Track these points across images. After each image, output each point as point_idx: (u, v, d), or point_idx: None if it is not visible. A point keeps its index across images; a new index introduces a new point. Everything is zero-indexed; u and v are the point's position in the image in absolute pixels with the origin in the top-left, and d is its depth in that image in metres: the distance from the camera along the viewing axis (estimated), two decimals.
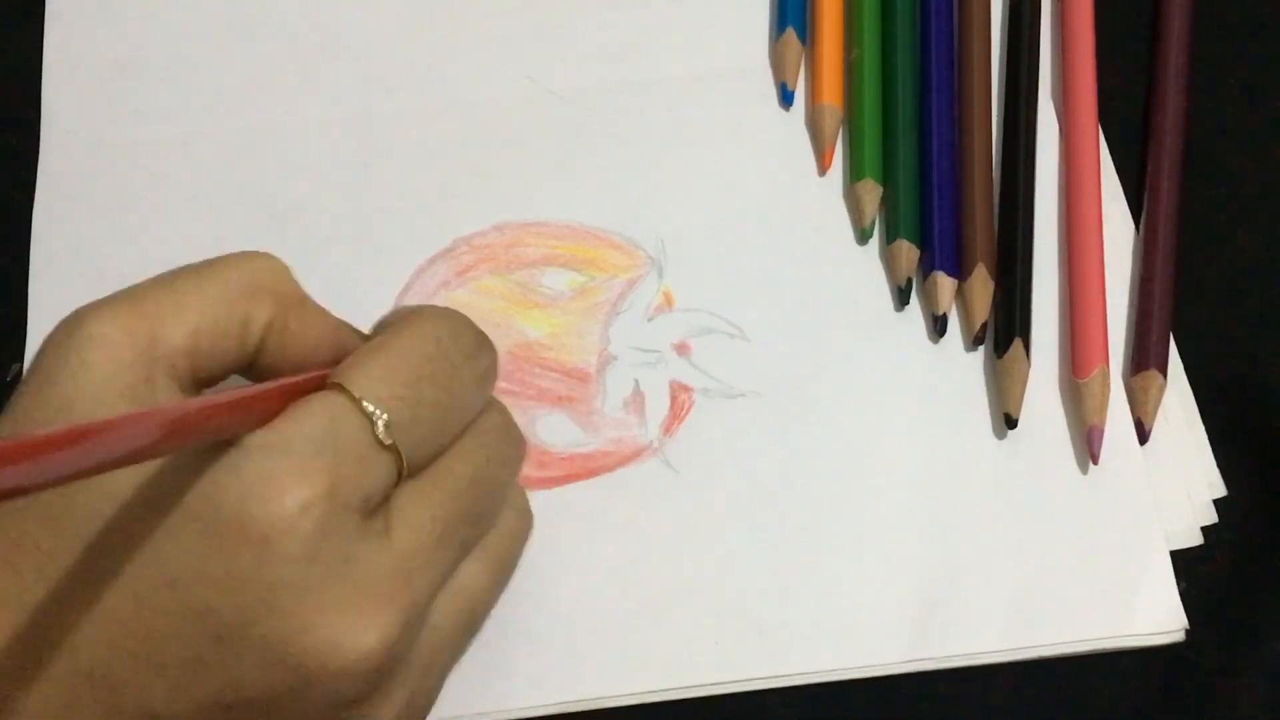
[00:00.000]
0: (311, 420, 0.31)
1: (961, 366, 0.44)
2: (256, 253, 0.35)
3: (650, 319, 0.45)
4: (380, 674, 0.32)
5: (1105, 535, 0.41)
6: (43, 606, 0.31)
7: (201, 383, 0.34)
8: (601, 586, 0.41)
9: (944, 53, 0.47)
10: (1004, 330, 0.43)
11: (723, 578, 0.41)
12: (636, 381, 0.44)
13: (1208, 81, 0.48)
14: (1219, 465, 0.43)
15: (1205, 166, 0.47)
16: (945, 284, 0.44)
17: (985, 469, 0.42)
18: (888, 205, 0.46)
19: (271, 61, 0.49)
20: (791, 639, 0.40)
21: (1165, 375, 0.43)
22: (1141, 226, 0.45)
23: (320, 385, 0.33)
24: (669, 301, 0.45)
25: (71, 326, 0.33)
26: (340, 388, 0.32)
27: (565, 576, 0.41)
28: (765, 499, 0.42)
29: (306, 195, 0.47)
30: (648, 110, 0.48)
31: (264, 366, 0.35)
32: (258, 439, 0.31)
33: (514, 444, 0.37)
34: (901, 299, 0.45)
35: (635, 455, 0.43)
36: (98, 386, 0.32)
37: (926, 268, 0.45)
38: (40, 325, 0.45)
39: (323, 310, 0.36)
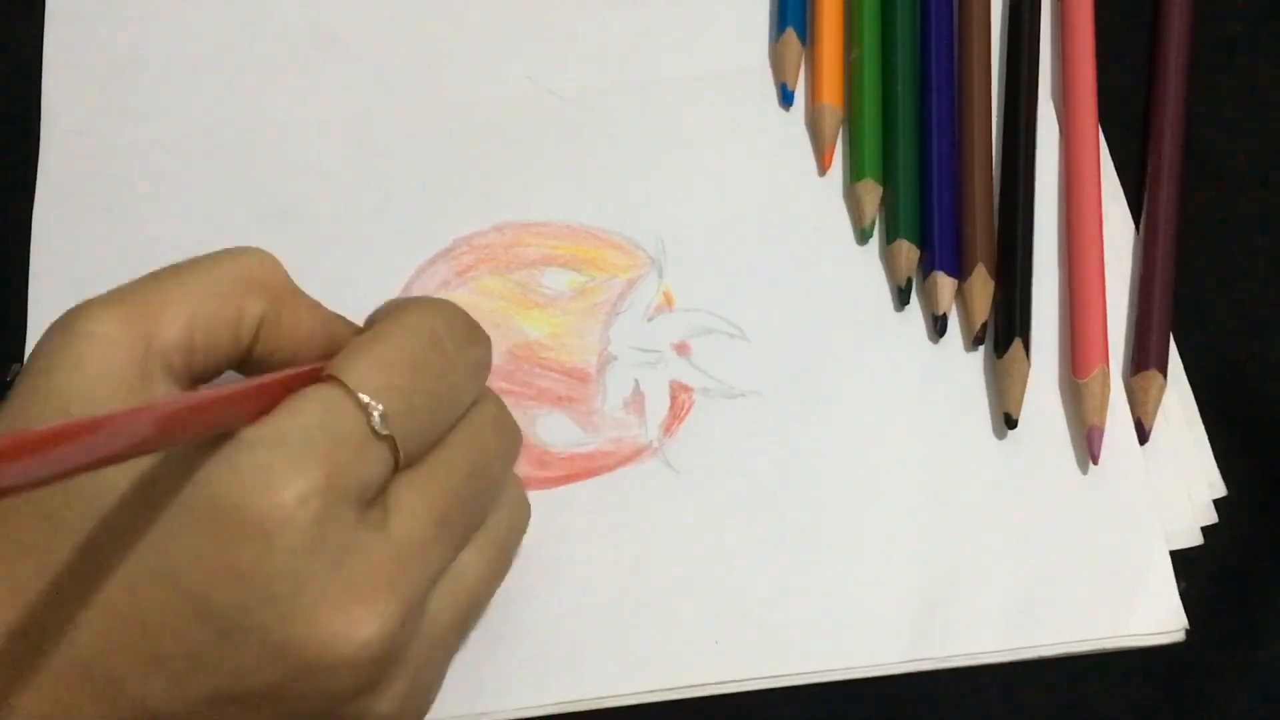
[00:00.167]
0: (307, 413, 0.32)
1: (961, 366, 0.44)
2: (248, 248, 0.35)
3: (650, 319, 0.45)
4: (380, 664, 0.32)
5: (1105, 535, 0.41)
6: (40, 603, 0.31)
7: (197, 378, 0.34)
8: (601, 586, 0.41)
9: (944, 53, 0.47)
10: (1004, 330, 0.43)
11: (723, 578, 0.41)
12: (636, 381, 0.44)
13: (1208, 81, 0.48)
14: (1219, 465, 0.43)
15: (1205, 166, 0.47)
16: (945, 284, 0.44)
17: (985, 469, 0.42)
18: (888, 205, 0.46)
19: (271, 61, 0.49)
20: (791, 639, 0.40)
21: (1165, 375, 0.43)
22: (1141, 226, 0.45)
23: (315, 378, 0.33)
24: (669, 301, 0.45)
25: (66, 324, 0.33)
26: (335, 379, 0.32)
27: (565, 576, 0.41)
28: (765, 499, 0.42)
29: (306, 195, 0.47)
30: (648, 110, 0.48)
31: (258, 360, 0.35)
32: (253, 432, 0.31)
33: (509, 435, 0.38)
34: (901, 299, 0.45)
35: (635, 455, 0.43)
36: (92, 384, 0.32)
37: (926, 268, 0.45)
38: (40, 325, 0.45)
39: (315, 303, 0.36)
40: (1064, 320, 0.44)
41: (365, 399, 0.32)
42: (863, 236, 0.46)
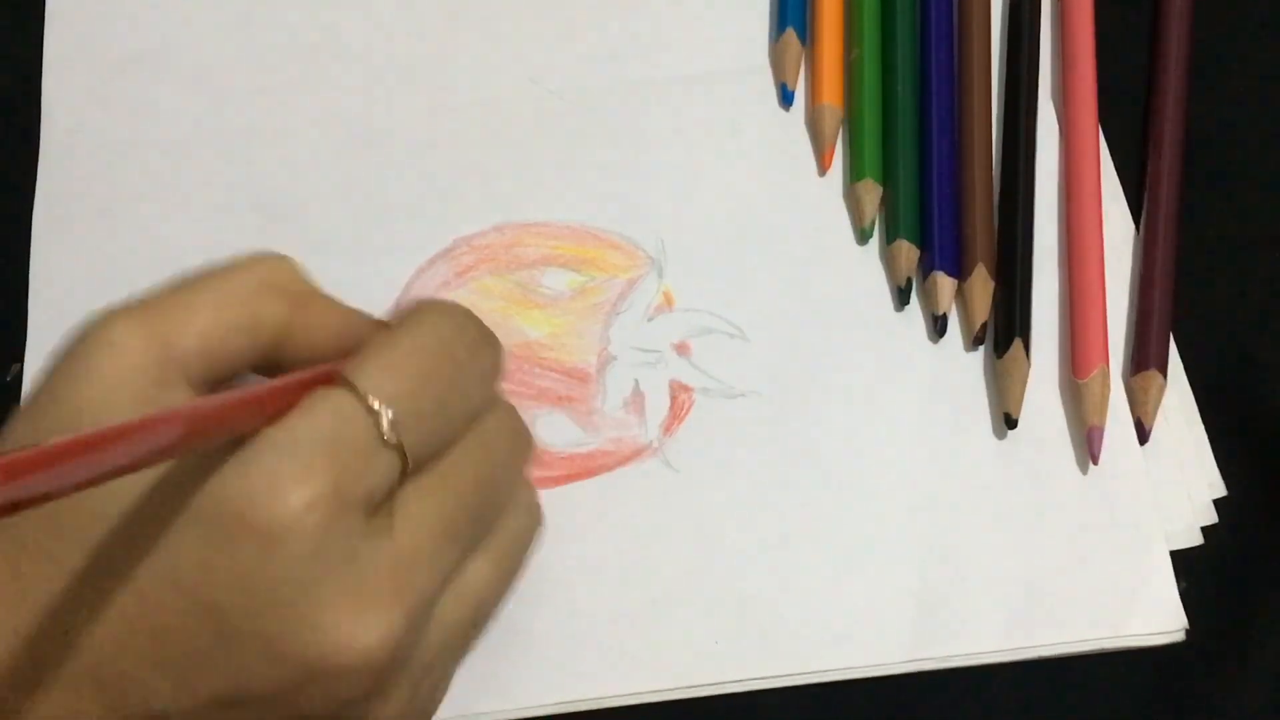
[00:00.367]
0: (316, 419, 0.32)
1: (961, 366, 0.44)
2: (266, 254, 0.35)
3: (650, 319, 0.45)
4: (384, 671, 0.32)
5: (1105, 535, 0.41)
6: (49, 607, 0.31)
7: (215, 382, 0.34)
8: (601, 586, 0.41)
9: (944, 53, 0.47)
10: (1004, 330, 0.43)
11: (723, 578, 0.41)
12: (636, 381, 0.44)
13: (1208, 82, 0.48)
14: (1219, 465, 0.43)
15: (1205, 166, 0.47)
16: (945, 284, 0.44)
17: (985, 469, 0.42)
18: (888, 205, 0.46)
19: (272, 61, 0.49)
20: (791, 639, 0.40)
21: (1165, 375, 0.43)
22: (1141, 226, 0.45)
23: (329, 380, 0.33)
24: (669, 301, 0.45)
25: (86, 334, 0.33)
26: (347, 383, 0.32)
27: (565, 576, 0.41)
28: (765, 499, 0.42)
29: (306, 195, 0.47)
30: (648, 110, 0.48)
31: (279, 362, 0.35)
32: (264, 437, 0.31)
33: (520, 442, 0.37)
34: (901, 299, 0.45)
35: (635, 455, 0.43)
36: (109, 393, 0.32)
37: (926, 268, 0.45)
38: (40, 325, 0.45)
39: (335, 303, 0.36)
40: (1064, 320, 0.44)
41: (375, 404, 0.32)
42: (863, 236, 0.46)
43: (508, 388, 0.44)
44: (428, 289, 0.45)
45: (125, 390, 0.32)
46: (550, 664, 0.40)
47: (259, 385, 0.33)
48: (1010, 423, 0.42)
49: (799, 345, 0.44)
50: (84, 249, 0.46)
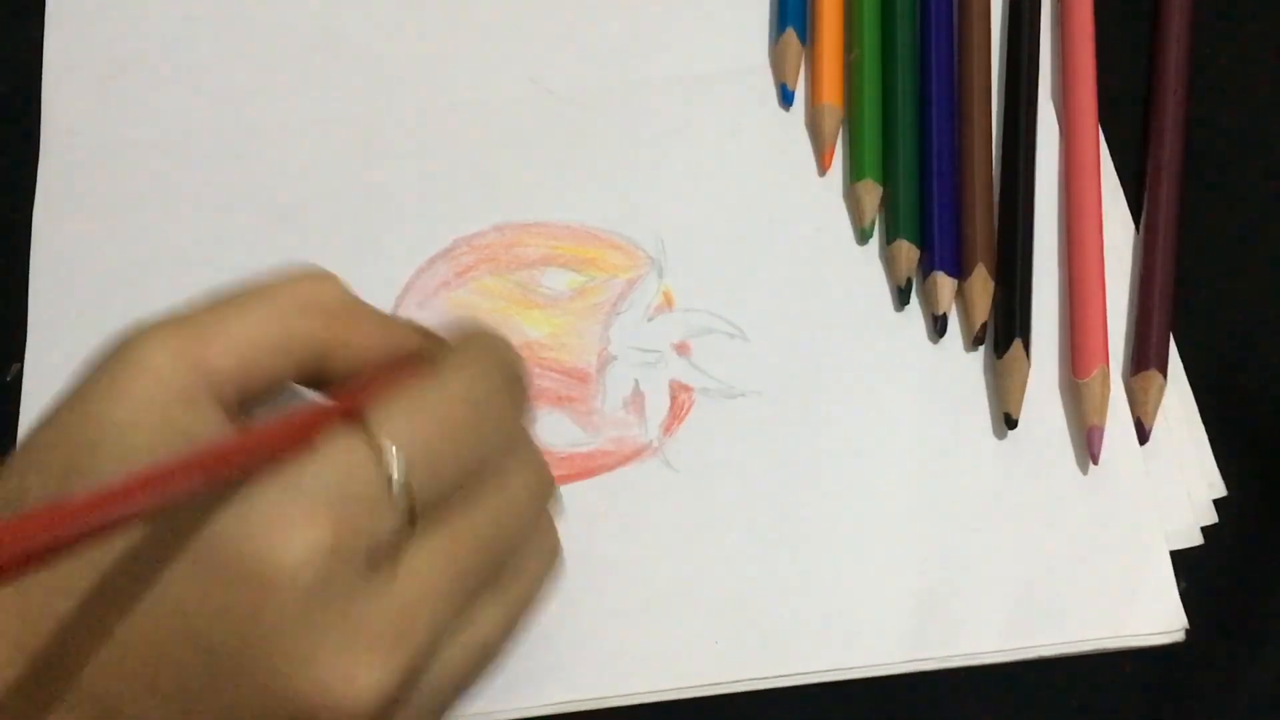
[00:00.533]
0: (325, 463, 0.31)
1: (961, 366, 0.44)
2: (307, 270, 0.35)
3: (650, 319, 0.45)
4: (374, 718, 0.32)
5: (1105, 535, 0.41)
6: (49, 632, 0.31)
7: (249, 401, 0.34)
8: (601, 586, 0.41)
9: (944, 53, 0.47)
10: (1004, 330, 0.43)
11: (723, 578, 0.41)
12: (636, 381, 0.44)
13: (1208, 82, 0.48)
14: (1219, 465, 0.43)
15: (1205, 166, 0.47)
16: (945, 284, 0.44)
17: (985, 469, 0.42)
18: (888, 205, 0.46)
19: (272, 61, 0.49)
20: (791, 639, 0.40)
21: (1165, 375, 0.43)
22: (1141, 226, 0.45)
23: (350, 413, 0.32)
24: (669, 301, 0.45)
25: (117, 350, 0.33)
26: (363, 427, 0.32)
27: (565, 576, 0.41)
28: (765, 499, 0.42)
29: (306, 195, 0.47)
30: (648, 110, 0.48)
31: (321, 376, 0.35)
32: (270, 479, 0.31)
33: (543, 485, 0.37)
34: (901, 299, 0.45)
35: (635, 455, 0.43)
36: (136, 413, 0.32)
37: (926, 268, 0.45)
38: (40, 325, 0.45)
39: (380, 316, 0.35)
40: (1064, 320, 0.44)
41: (387, 455, 0.32)
42: (863, 236, 0.46)
43: None
44: (428, 289, 0.45)
45: (153, 411, 0.32)
46: (550, 664, 0.40)
47: (278, 419, 0.32)
48: (1010, 423, 0.42)
49: (799, 345, 0.44)
50: (84, 249, 0.46)
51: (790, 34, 0.48)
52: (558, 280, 0.46)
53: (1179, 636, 0.40)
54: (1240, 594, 0.41)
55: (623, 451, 0.43)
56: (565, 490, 0.42)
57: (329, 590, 0.31)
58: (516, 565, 0.36)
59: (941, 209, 0.45)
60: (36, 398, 0.43)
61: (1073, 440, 0.43)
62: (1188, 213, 0.45)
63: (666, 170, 0.47)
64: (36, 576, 0.31)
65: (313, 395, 0.34)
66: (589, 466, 0.43)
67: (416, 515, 0.32)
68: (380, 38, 0.50)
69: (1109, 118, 0.47)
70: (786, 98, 0.48)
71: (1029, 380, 0.43)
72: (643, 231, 0.46)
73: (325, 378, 0.35)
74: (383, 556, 0.32)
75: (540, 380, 0.44)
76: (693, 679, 0.40)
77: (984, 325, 0.44)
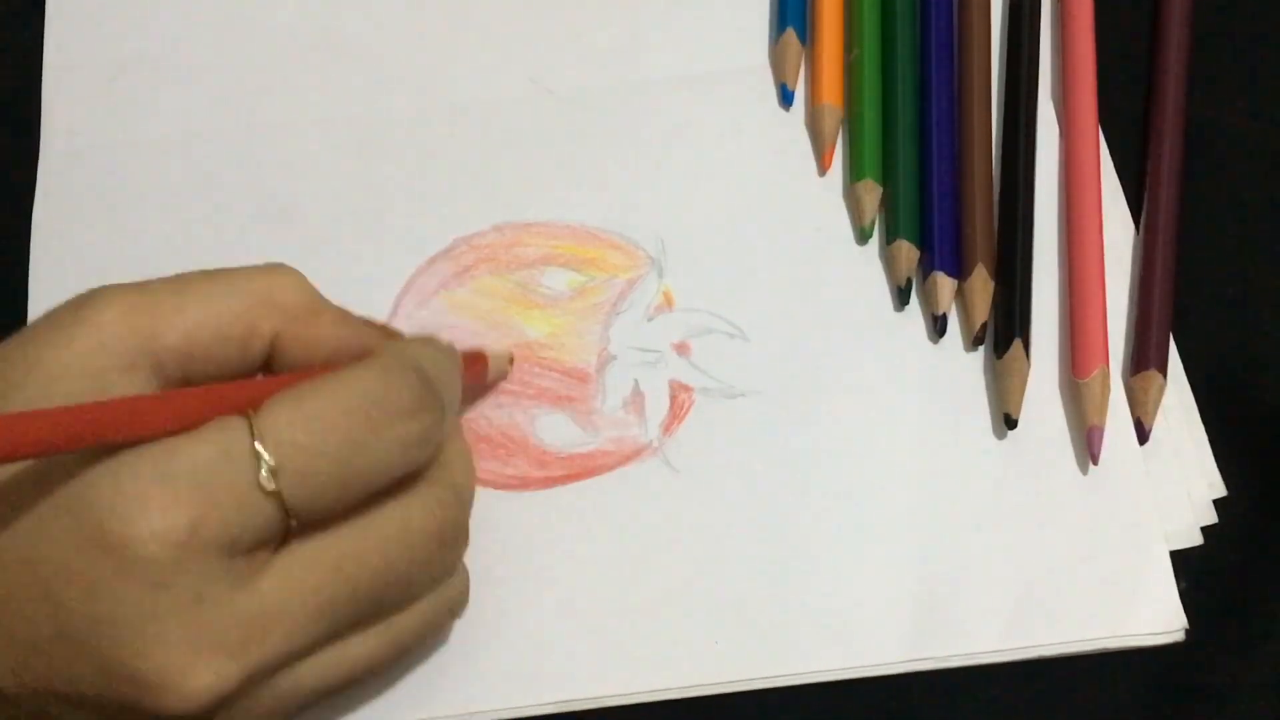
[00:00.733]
0: (201, 447, 0.31)
1: (961, 366, 0.44)
2: (276, 266, 0.35)
3: (650, 319, 0.45)
4: (208, 716, 0.32)
5: (1105, 535, 0.41)
6: None
7: (191, 382, 0.34)
8: (601, 586, 0.41)
9: (944, 53, 0.47)
10: (1004, 330, 0.43)
11: (723, 578, 0.41)
12: (636, 381, 0.44)
13: (1208, 82, 0.48)
14: (1219, 465, 0.43)
15: (1205, 166, 0.47)
16: (945, 284, 0.44)
17: (985, 469, 0.42)
18: (888, 205, 0.46)
19: (272, 62, 0.49)
20: (791, 639, 0.40)
21: (1165, 375, 0.43)
22: (1141, 226, 0.45)
23: (243, 403, 0.32)
24: (669, 301, 0.45)
25: (75, 302, 0.33)
26: (246, 419, 0.32)
27: (564, 576, 0.41)
28: (765, 499, 0.42)
29: (306, 195, 0.47)
30: (648, 110, 0.48)
31: (276, 371, 0.35)
32: (147, 452, 0.31)
33: (448, 529, 0.35)
34: (901, 299, 0.45)
35: (635, 455, 0.43)
36: (72, 363, 0.32)
37: (926, 268, 0.45)
38: None
39: (343, 316, 0.35)
40: (1064, 320, 0.44)
41: (261, 449, 0.32)
42: (863, 236, 0.46)
43: (508, 388, 0.44)
44: (428, 289, 0.45)
45: (88, 368, 0.32)
46: (550, 664, 0.40)
47: (179, 393, 0.33)
48: (1010, 423, 0.42)
49: (799, 345, 0.44)
50: (84, 249, 0.46)
51: (790, 34, 0.48)
52: (558, 280, 0.46)
53: (1179, 636, 0.40)
54: (1240, 594, 0.41)
55: (622, 451, 0.43)
56: (565, 490, 0.42)
57: (181, 575, 0.31)
58: (405, 599, 0.35)
59: (941, 209, 0.45)
60: None
61: (1072, 440, 0.43)
62: (1188, 213, 0.45)
63: (666, 170, 0.47)
64: None
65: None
66: (589, 466, 0.43)
67: (291, 520, 0.32)
68: (380, 38, 0.50)
69: (1109, 118, 0.47)
70: (786, 98, 0.48)
71: (1029, 380, 0.43)
72: (643, 231, 0.46)
73: (277, 370, 0.35)
74: (243, 553, 0.32)
75: (540, 380, 0.44)
76: (693, 679, 0.40)
77: (984, 325, 0.44)
